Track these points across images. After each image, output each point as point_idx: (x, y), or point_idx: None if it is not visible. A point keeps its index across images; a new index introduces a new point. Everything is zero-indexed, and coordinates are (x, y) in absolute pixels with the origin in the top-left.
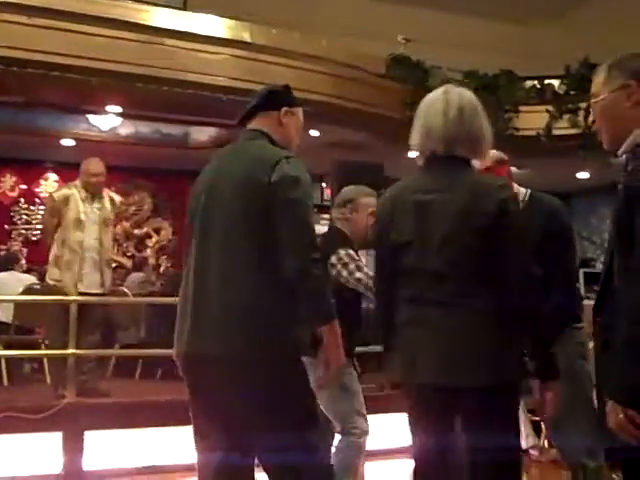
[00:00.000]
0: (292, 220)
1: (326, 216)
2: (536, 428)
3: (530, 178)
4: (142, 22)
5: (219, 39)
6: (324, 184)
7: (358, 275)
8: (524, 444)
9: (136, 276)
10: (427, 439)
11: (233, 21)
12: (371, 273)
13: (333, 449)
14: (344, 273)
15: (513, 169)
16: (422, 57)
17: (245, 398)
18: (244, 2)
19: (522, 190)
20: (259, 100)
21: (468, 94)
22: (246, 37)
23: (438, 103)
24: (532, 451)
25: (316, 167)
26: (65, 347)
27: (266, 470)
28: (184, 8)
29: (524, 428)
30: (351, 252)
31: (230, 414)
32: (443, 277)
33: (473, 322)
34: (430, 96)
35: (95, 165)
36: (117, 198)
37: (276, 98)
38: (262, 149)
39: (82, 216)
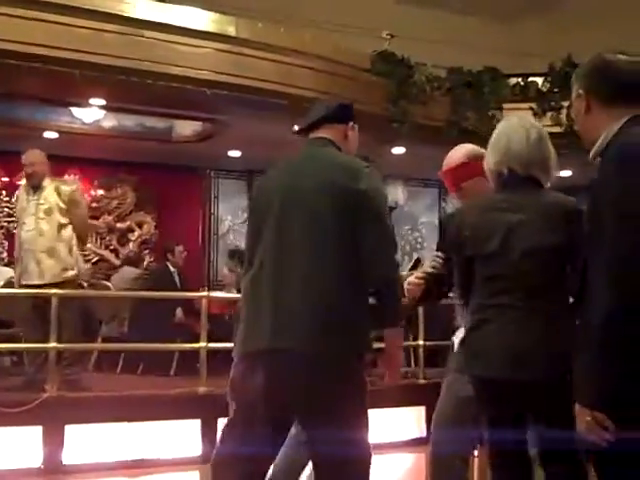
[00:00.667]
0: (379, 231)
1: None
2: None
3: None
4: (124, 14)
5: (203, 32)
6: None
7: None
8: None
9: (130, 271)
10: (502, 431)
11: (217, 14)
12: None
13: None
14: None
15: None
16: (407, 53)
17: (318, 392)
18: None
19: None
20: (328, 111)
21: (538, 124)
22: (231, 31)
23: (520, 130)
24: None
25: None
26: (41, 341)
27: (316, 459)
28: (167, 0)
29: None
30: None
31: (293, 407)
32: (519, 284)
33: (542, 323)
34: (509, 124)
35: (29, 155)
36: (66, 188)
37: (345, 112)
38: (342, 157)
39: (21, 209)
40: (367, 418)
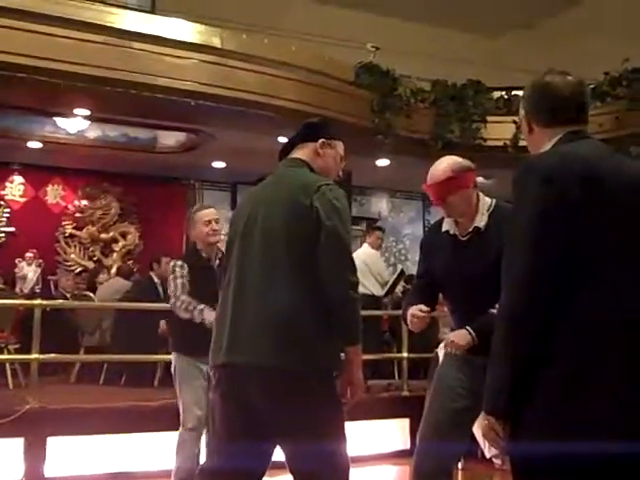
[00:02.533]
0: (333, 249)
1: None
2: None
3: (496, 188)
4: (110, 24)
5: (188, 44)
6: None
7: (172, 284)
8: (487, 453)
9: (123, 283)
10: None
11: (203, 26)
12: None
13: None
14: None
15: (480, 179)
16: (391, 66)
17: (281, 409)
18: (213, 7)
19: (487, 200)
20: (295, 133)
21: None
22: (216, 42)
23: None
24: (495, 460)
25: None
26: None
27: (292, 472)
28: (153, 12)
29: None
30: (179, 263)
31: (263, 422)
32: None
33: None
34: None
35: None
36: None
37: (312, 130)
38: (304, 176)
39: None
40: (338, 431)
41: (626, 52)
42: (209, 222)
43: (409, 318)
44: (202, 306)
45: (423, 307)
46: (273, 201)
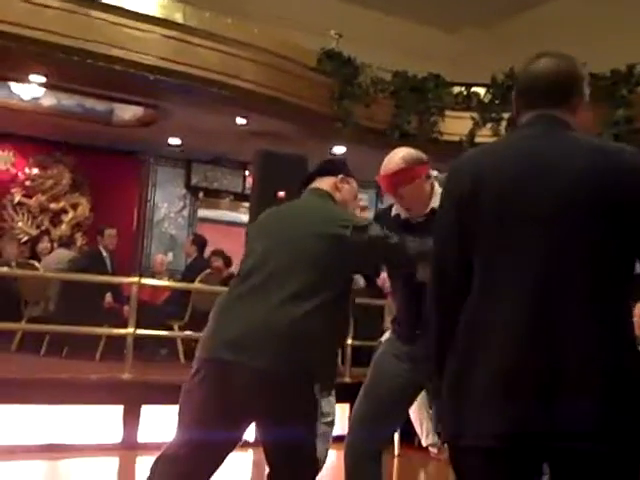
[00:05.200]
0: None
1: (246, 204)
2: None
3: None
4: None
5: (150, 17)
6: (247, 172)
7: None
8: (424, 442)
9: (66, 254)
10: None
11: (166, 0)
12: None
13: None
14: None
15: (434, 172)
16: (353, 54)
17: (270, 412)
18: None
19: (440, 189)
20: (318, 167)
21: None
22: (178, 18)
23: None
24: (431, 449)
25: (240, 155)
26: None
27: (269, 456)
28: None
29: (424, 425)
30: None
31: (249, 417)
32: None
33: None
34: None
35: None
36: None
37: (333, 166)
38: (335, 207)
39: None
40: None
41: (584, 56)
42: (355, 197)
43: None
44: None
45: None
46: (307, 223)
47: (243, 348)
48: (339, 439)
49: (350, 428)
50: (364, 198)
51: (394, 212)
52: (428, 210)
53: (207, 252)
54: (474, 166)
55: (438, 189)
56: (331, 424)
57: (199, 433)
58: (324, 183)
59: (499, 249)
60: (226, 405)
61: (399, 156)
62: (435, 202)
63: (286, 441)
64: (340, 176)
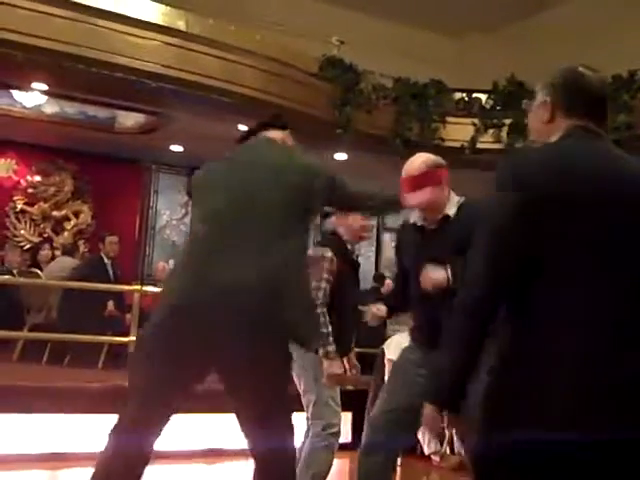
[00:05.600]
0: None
1: None
2: (438, 434)
3: (453, 188)
4: (75, 0)
5: (153, 24)
6: None
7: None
8: (426, 450)
9: (70, 261)
10: None
11: (168, 8)
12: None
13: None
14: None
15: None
16: (355, 60)
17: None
18: None
19: (456, 198)
20: (268, 119)
21: None
22: (181, 25)
23: None
24: (434, 457)
25: None
26: None
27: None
28: None
29: (427, 433)
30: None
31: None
32: None
33: None
34: None
35: None
36: None
37: (281, 120)
38: (288, 154)
39: None
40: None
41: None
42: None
43: (372, 311)
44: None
45: (382, 308)
46: (262, 181)
47: (226, 295)
48: (342, 447)
49: (367, 432)
50: None
51: (411, 220)
52: (441, 216)
53: None
54: (555, 169)
55: (455, 198)
56: (337, 435)
57: (156, 392)
58: (275, 135)
59: (577, 251)
60: (197, 351)
61: (421, 160)
62: (449, 209)
63: (258, 400)
64: (287, 131)
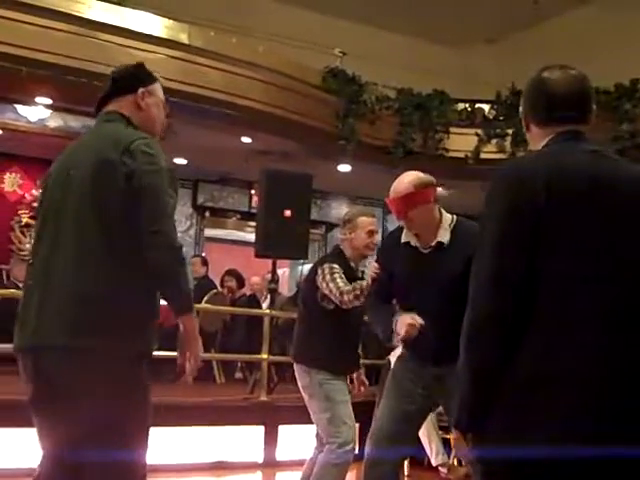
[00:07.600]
0: (151, 211)
1: (252, 224)
2: (446, 446)
3: (456, 199)
4: (77, 14)
5: (155, 38)
6: (253, 191)
7: (331, 284)
8: (434, 461)
9: None
10: None
11: (171, 21)
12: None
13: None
14: (321, 283)
15: (439, 189)
16: (358, 72)
17: (65, 389)
18: (183, 3)
19: (449, 216)
20: (108, 88)
21: None
22: (183, 38)
23: None
24: (441, 469)
25: (246, 174)
26: None
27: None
28: (121, 3)
29: (434, 445)
30: (334, 266)
31: (60, 414)
32: None
33: None
34: None
35: None
36: None
37: (128, 80)
38: (117, 130)
39: None
40: (145, 436)
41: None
42: (372, 233)
43: (404, 327)
44: (364, 282)
45: (417, 317)
46: (80, 160)
47: (33, 330)
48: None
49: (370, 444)
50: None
51: (404, 239)
52: (434, 243)
53: (210, 270)
54: (549, 173)
55: (447, 219)
56: (352, 452)
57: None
58: (121, 105)
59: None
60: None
61: (407, 180)
62: (442, 236)
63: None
64: (140, 90)
